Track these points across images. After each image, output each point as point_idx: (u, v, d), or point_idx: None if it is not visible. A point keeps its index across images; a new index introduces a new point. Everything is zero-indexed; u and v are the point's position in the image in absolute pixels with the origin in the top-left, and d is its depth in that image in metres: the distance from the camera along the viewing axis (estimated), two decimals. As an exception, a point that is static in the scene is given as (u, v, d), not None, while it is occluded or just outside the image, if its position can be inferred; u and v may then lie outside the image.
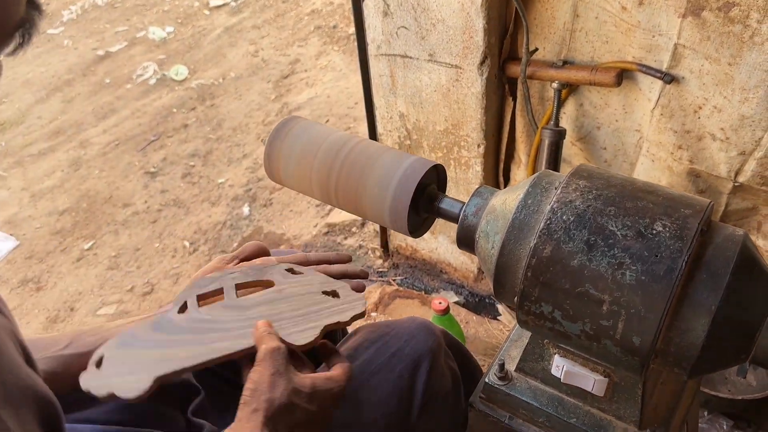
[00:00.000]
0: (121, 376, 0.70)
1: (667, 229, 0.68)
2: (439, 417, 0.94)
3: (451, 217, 0.86)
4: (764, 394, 1.35)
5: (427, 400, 0.91)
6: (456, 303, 1.78)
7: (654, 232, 0.68)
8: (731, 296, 0.66)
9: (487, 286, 1.81)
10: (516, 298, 0.75)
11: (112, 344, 0.75)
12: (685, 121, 1.22)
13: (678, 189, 1.31)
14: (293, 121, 0.93)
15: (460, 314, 1.70)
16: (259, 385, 0.70)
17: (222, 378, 0.96)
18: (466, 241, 0.83)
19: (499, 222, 0.78)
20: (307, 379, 0.72)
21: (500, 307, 1.77)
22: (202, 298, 0.83)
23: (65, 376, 0.76)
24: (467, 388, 1.01)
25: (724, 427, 1.40)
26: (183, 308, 0.81)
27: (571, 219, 0.71)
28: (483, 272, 1.71)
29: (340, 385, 0.74)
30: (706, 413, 1.42)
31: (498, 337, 1.64)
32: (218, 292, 0.84)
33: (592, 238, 0.69)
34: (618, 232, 0.69)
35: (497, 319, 1.71)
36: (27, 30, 0.50)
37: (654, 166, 1.33)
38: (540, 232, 0.72)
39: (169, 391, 0.50)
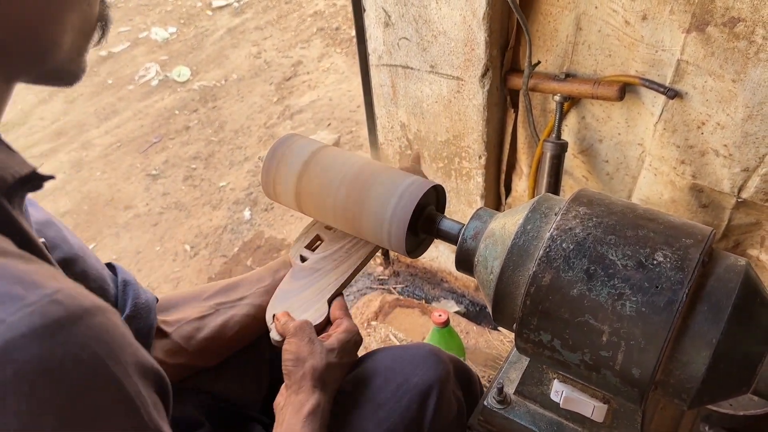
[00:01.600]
0: (304, 314, 0.87)
1: (668, 259, 0.67)
2: None
3: (450, 240, 0.85)
4: (765, 410, 1.34)
5: (433, 430, 0.89)
6: (456, 312, 1.77)
7: (655, 262, 0.67)
8: (733, 329, 0.65)
9: (487, 295, 1.80)
10: (515, 326, 0.74)
11: (275, 303, 0.90)
12: (688, 136, 1.21)
13: (681, 203, 1.31)
14: (289, 140, 0.92)
15: (461, 324, 1.69)
16: (299, 354, 0.79)
17: (228, 411, 0.95)
18: (464, 264, 0.82)
19: (498, 247, 0.77)
20: (332, 339, 0.82)
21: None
22: (309, 247, 0.97)
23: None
24: (471, 412, 1.00)
25: (725, 442, 1.38)
26: (303, 258, 0.95)
27: (571, 247, 0.70)
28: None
29: (355, 332, 0.85)
30: (707, 428, 1.41)
31: (498, 348, 1.63)
32: (317, 238, 0.98)
33: (592, 268, 0.68)
34: (618, 262, 0.68)
35: (498, 330, 1.70)
36: (104, 23, 0.57)
37: (656, 180, 1.32)
38: (539, 259, 0.70)
39: (173, 425, 0.52)
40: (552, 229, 0.71)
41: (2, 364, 0.36)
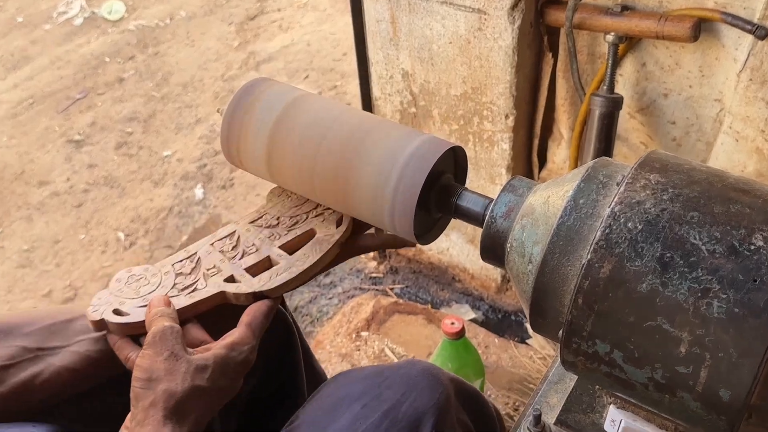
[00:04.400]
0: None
1: (770, 243, 0.64)
2: None
3: (474, 219, 0.82)
4: None
5: None
6: (473, 321, 1.75)
7: (752, 247, 0.64)
8: None
9: (512, 298, 1.78)
10: (561, 332, 0.71)
11: None
12: (782, 89, 1.19)
13: (770, 178, 1.29)
14: (260, 86, 0.89)
15: (478, 336, 1.67)
16: (152, 373, 0.73)
17: None
18: (493, 251, 0.80)
19: (539, 228, 0.74)
20: (208, 353, 0.76)
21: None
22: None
23: None
24: None
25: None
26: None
27: (639, 227, 0.67)
28: (510, 283, 1.68)
29: (246, 348, 0.77)
30: None
31: (527, 367, 1.61)
32: None
33: (668, 255, 0.66)
34: (703, 247, 0.65)
35: (526, 343, 1.68)
36: None
37: (738, 148, 1.30)
38: (596, 244, 0.68)
39: None
40: (613, 204, 0.69)
41: None
